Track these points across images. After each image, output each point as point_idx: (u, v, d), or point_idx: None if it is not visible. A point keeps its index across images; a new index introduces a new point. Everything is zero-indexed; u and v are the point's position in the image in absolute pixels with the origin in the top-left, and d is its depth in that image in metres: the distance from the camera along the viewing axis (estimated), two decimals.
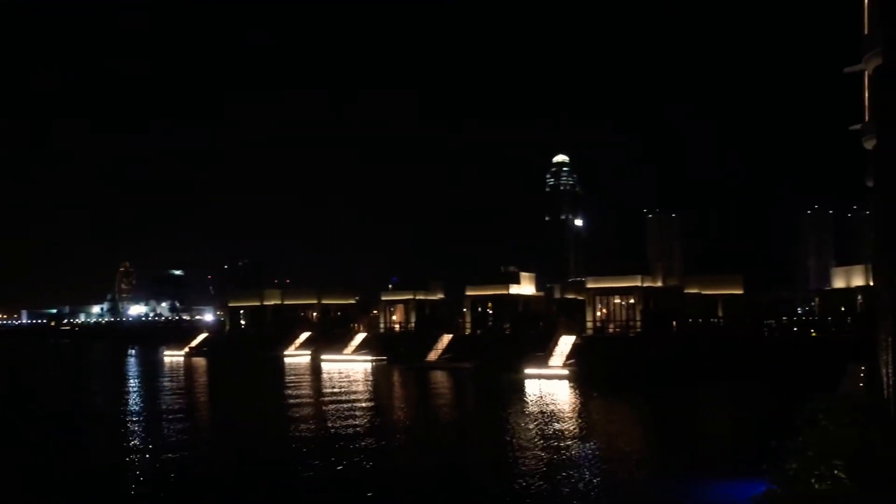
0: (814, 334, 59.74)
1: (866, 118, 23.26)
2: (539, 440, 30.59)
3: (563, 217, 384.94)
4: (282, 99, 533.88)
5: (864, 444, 14.64)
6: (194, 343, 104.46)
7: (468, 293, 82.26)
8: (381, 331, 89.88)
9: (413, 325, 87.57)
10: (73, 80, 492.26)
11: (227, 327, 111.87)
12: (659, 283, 72.12)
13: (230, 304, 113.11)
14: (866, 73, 22.40)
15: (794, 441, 15.64)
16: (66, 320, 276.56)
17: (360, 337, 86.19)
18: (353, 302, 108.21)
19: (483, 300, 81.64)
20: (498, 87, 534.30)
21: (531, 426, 34.32)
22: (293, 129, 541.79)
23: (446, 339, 76.44)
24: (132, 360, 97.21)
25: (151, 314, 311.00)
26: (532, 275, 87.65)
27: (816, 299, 79.33)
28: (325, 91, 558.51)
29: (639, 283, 68.39)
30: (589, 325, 68.86)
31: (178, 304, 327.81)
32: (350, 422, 36.37)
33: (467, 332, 79.57)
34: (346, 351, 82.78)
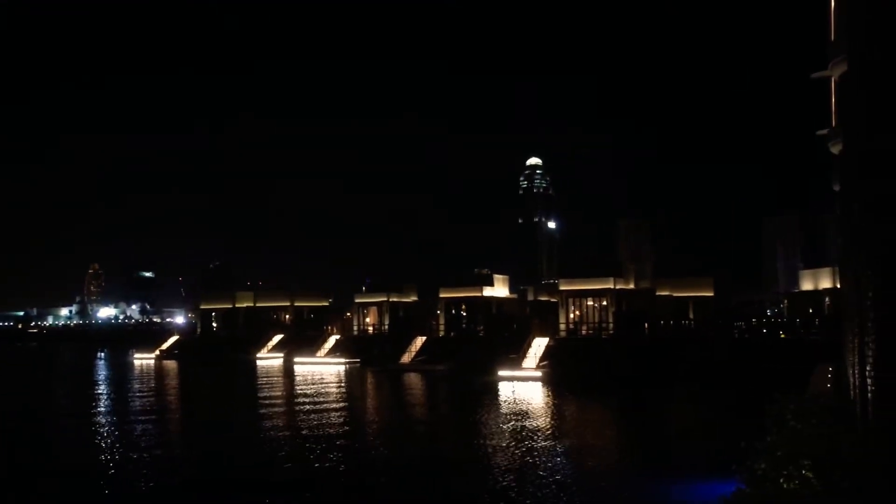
0: (783, 336, 60.54)
1: (833, 123, 23.67)
2: (512, 441, 30.67)
3: (536, 219, 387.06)
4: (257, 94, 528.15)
5: (831, 444, 14.87)
6: (165, 346, 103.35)
7: (442, 295, 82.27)
8: (355, 333, 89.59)
9: (387, 327, 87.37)
10: (50, 79, 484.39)
11: (199, 330, 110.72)
12: (631, 286, 72.65)
13: (202, 307, 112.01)
14: (833, 78, 22.80)
15: (763, 441, 15.84)
16: (33, 323, 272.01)
17: (333, 339, 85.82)
18: (326, 304, 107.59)
19: (457, 302, 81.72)
20: (467, 88, 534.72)
21: (504, 427, 34.40)
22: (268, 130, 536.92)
23: (420, 341, 76.37)
24: (101, 363, 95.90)
25: (121, 317, 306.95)
26: (505, 277, 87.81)
27: (785, 301, 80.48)
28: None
29: (611, 286, 68.82)
30: (562, 327, 69.15)
31: (148, 307, 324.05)
32: (322, 423, 36.20)
33: (441, 334, 79.58)
34: (319, 353, 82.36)
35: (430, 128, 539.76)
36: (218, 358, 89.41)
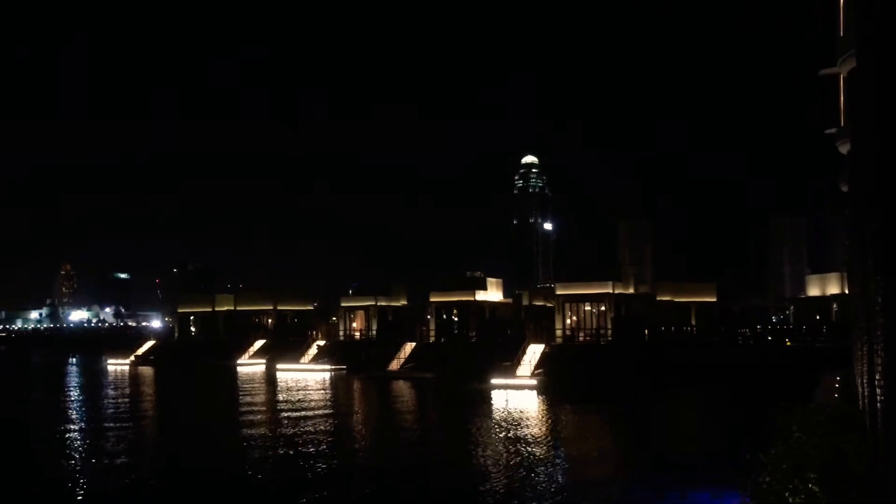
0: (789, 343, 60.82)
1: (841, 122, 23.83)
2: (505, 451, 30.69)
3: (531, 220, 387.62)
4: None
5: (838, 456, 14.94)
6: (140, 351, 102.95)
7: (432, 299, 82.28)
8: (341, 338, 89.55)
9: (374, 332, 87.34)
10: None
11: (176, 335, 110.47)
12: (631, 290, 72.86)
13: (179, 310, 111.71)
14: (841, 75, 22.95)
15: (768, 453, 15.91)
16: (1, 326, 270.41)
17: (318, 345, 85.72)
18: (310, 308, 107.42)
19: (448, 307, 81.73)
20: (466, 85, 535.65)
21: (498, 437, 34.41)
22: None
23: (409, 347, 76.36)
24: (73, 368, 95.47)
25: (94, 320, 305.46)
26: (499, 280, 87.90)
27: (791, 307, 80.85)
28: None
29: (610, 290, 69.03)
30: (558, 332, 69.29)
31: (123, 310, 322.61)
32: (305, 433, 36.14)
33: (431, 340, 79.58)
34: (303, 360, 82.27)
35: (428, 121, 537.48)
36: (196, 364, 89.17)
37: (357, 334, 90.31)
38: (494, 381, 59.08)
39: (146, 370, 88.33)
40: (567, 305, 70.87)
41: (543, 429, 38.02)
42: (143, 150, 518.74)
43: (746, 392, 50.11)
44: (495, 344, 70.24)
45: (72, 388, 65.72)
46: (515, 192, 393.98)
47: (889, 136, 10.72)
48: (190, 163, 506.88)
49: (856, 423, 18.00)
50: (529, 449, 31.67)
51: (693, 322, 74.22)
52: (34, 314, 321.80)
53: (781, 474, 14.73)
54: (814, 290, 74.24)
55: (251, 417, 43.20)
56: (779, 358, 56.91)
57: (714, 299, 76.99)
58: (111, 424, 40.83)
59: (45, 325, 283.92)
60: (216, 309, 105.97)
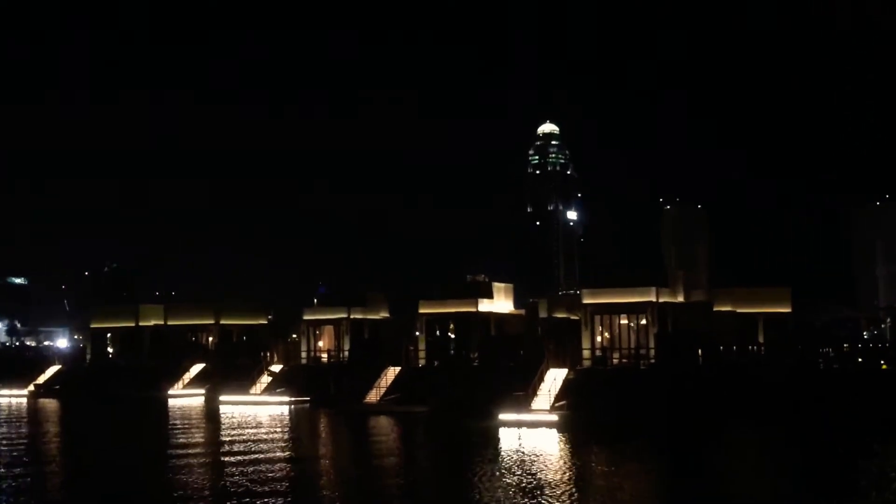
0: (884, 367, 60.75)
1: None
2: None
3: (550, 208, 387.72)
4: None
5: None
6: (42, 379, 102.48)
7: (423, 311, 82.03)
8: (303, 361, 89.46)
9: (346, 353, 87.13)
10: None
11: (89, 357, 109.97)
12: (680, 298, 72.67)
13: (93, 325, 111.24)
14: None
15: None
16: None
17: (273, 370, 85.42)
18: (264, 322, 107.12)
19: (442, 320, 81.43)
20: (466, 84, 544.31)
21: (508, 489, 34.26)
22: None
23: (392, 373, 76.19)
24: None
25: None
26: (509, 286, 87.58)
27: (888, 320, 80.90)
28: None
29: (653, 298, 68.87)
30: (586, 353, 69.08)
31: (18, 325, 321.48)
32: (256, 485, 35.94)
33: (421, 363, 79.37)
34: (253, 390, 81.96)
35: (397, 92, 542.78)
36: (115, 395, 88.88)
37: (324, 356, 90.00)
38: (503, 416, 58.83)
39: (49, 403, 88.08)
40: (597, 318, 70.61)
41: (566, 478, 37.88)
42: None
43: (831, 429, 49.98)
44: (504, 368, 69.99)
45: None
46: (529, 170, 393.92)
47: None
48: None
49: None
50: None
51: (761, 339, 74.15)
52: None
53: None
54: None
55: (185, 464, 42.95)
56: (872, 385, 56.81)
57: (788, 309, 76.81)
58: (1, 472, 40.59)
59: None
60: (141, 324, 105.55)
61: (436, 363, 79.21)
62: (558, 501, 32.45)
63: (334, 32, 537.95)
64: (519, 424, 57.46)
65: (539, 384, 63.46)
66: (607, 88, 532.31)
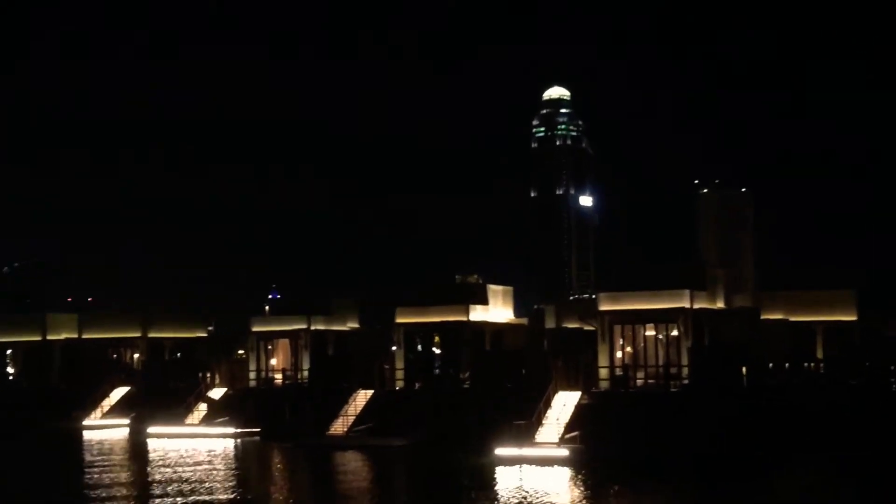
0: None
1: None
2: None
3: (559, 192, 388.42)
4: None
5: None
6: None
7: (400, 320, 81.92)
8: (252, 384, 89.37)
9: (306, 374, 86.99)
10: None
11: None
12: (719, 304, 72.68)
13: None
14: None
15: None
16: None
17: (215, 395, 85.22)
18: (203, 335, 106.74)
19: (426, 331, 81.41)
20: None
21: None
22: None
23: (363, 397, 76.10)
24: None
25: None
26: (508, 289, 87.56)
27: None
28: None
29: (686, 304, 68.86)
30: (603, 372, 69.12)
31: None
32: None
33: (399, 385, 79.34)
34: (190, 419, 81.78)
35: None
36: (18, 425, 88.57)
37: (278, 377, 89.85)
38: (501, 451, 58.83)
39: None
40: (617, 329, 70.61)
41: None
42: None
43: None
44: (502, 391, 70.04)
45: None
46: (534, 146, 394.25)
47: None
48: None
49: None
50: None
51: (820, 354, 74.27)
52: None
53: None
54: None
55: None
56: None
57: (853, 318, 76.90)
58: None
59: None
60: (49, 338, 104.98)
61: (417, 385, 79.15)
62: None
63: None
64: (520, 461, 57.46)
65: (545, 411, 63.40)
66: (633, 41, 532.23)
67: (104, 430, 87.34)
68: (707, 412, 61.36)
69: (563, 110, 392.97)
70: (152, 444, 74.28)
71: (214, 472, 57.29)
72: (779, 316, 75.29)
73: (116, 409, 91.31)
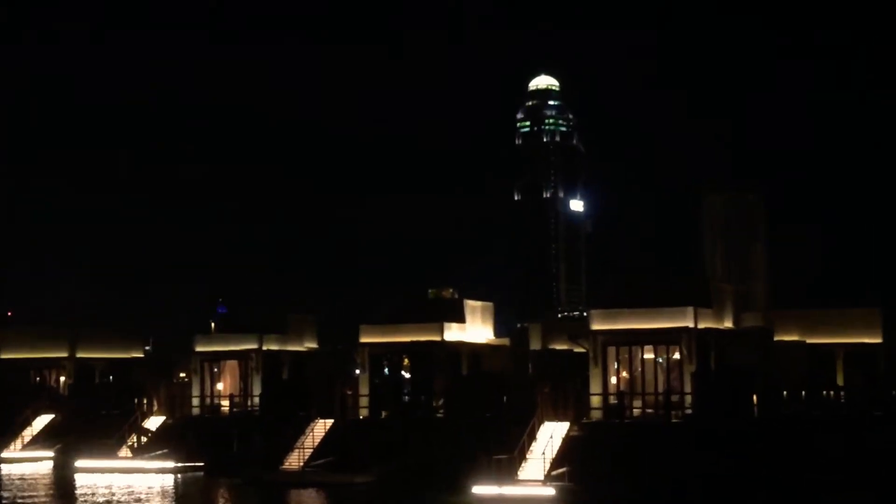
0: None
1: None
2: None
3: (547, 195, 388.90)
4: None
5: None
6: None
7: (365, 339, 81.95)
8: (195, 411, 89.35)
9: (258, 400, 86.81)
10: None
11: None
12: (728, 323, 72.95)
13: None
14: None
15: None
16: None
17: (152, 424, 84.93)
18: (139, 356, 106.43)
19: (394, 353, 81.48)
20: None
21: None
22: None
23: (322, 427, 75.97)
24: None
25: None
26: (487, 305, 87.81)
27: None
28: None
29: (690, 323, 69.08)
30: (595, 400, 69.23)
31: None
32: None
33: (362, 414, 79.28)
34: (124, 451, 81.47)
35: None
36: None
37: (225, 403, 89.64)
38: (479, 489, 58.86)
39: None
40: (612, 351, 70.81)
41: None
42: None
43: None
44: (480, 421, 70.03)
45: None
46: (518, 142, 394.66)
47: None
48: None
49: None
50: None
51: (840, 380, 74.55)
52: None
53: None
54: None
55: None
56: None
57: (878, 340, 77.35)
58: None
59: None
60: None
61: (384, 414, 79.13)
62: None
63: None
64: (501, 501, 57.44)
65: (529, 444, 63.40)
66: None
67: (25, 463, 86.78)
68: (713, 446, 61.47)
69: (551, 102, 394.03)
70: (80, 480, 73.95)
71: None
72: (794, 337, 75.68)
73: (39, 440, 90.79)
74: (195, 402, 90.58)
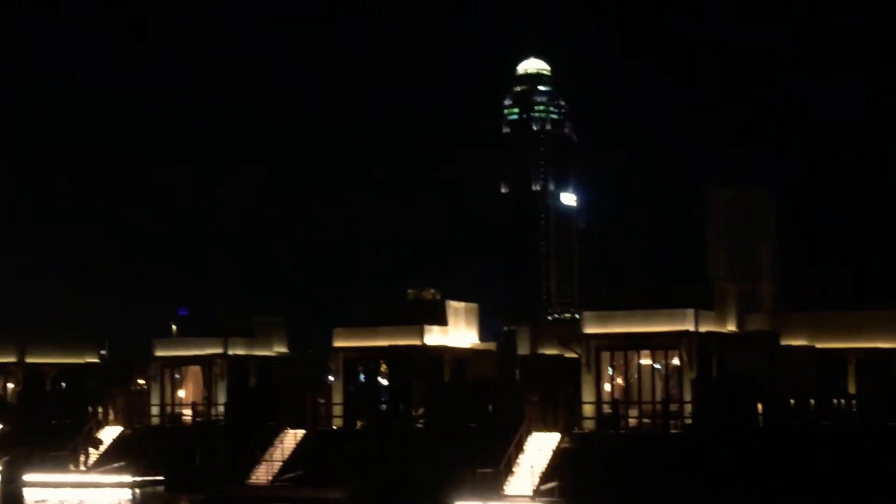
0: None
1: None
2: None
3: (536, 188, 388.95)
4: None
5: None
6: None
7: (339, 344, 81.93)
8: (155, 421, 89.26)
9: (222, 408, 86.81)
10: None
11: None
12: (731, 327, 73.05)
13: None
14: None
15: None
16: None
17: (108, 435, 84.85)
18: (95, 361, 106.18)
19: (370, 358, 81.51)
20: None
21: None
22: None
23: (293, 438, 76.05)
24: None
25: None
26: (472, 306, 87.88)
27: None
28: None
29: (691, 326, 69.20)
30: (589, 410, 69.34)
31: None
32: None
33: (336, 424, 79.39)
34: (78, 465, 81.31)
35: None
36: None
37: (187, 413, 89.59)
38: None
39: None
40: (606, 356, 70.87)
41: None
42: None
43: None
44: (464, 432, 70.18)
45: None
46: (506, 130, 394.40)
47: None
48: None
49: None
50: None
51: (852, 388, 74.81)
52: None
53: None
54: None
55: None
56: None
57: (893, 345, 77.58)
58: None
59: None
60: None
61: (359, 424, 79.14)
62: None
63: None
64: None
65: (517, 456, 63.62)
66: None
67: None
68: (714, 458, 61.68)
69: (540, 88, 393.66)
70: (30, 495, 73.92)
71: None
72: (803, 342, 75.86)
73: None
74: (155, 410, 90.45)
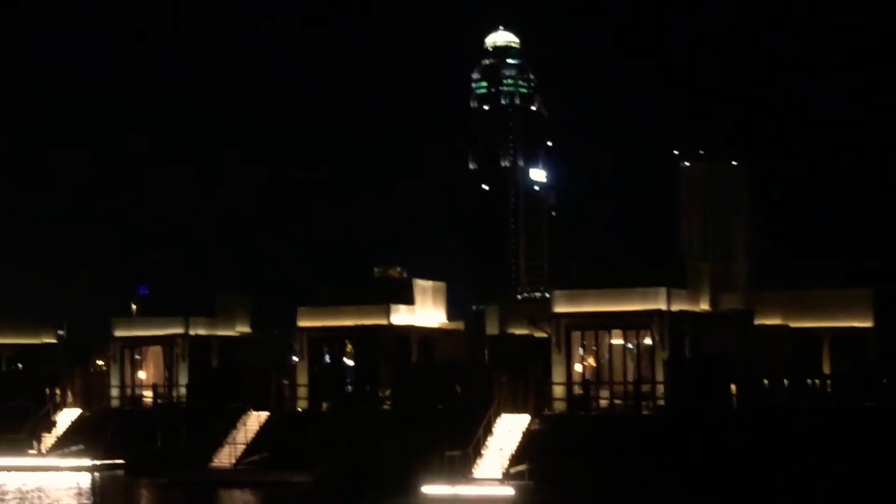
0: None
1: None
2: None
3: (506, 164, 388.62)
4: None
5: None
6: None
7: (303, 324, 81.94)
8: (115, 403, 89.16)
9: (184, 390, 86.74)
10: None
11: None
12: (704, 306, 73.31)
13: None
14: None
15: None
16: None
17: (66, 417, 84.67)
18: (52, 342, 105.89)
19: (335, 338, 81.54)
20: None
21: None
22: None
23: (256, 420, 76.10)
24: None
25: None
26: (440, 285, 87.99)
27: None
28: None
29: (663, 305, 69.42)
30: (559, 391, 69.49)
31: None
32: None
33: (301, 406, 79.55)
34: (36, 448, 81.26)
35: None
36: None
37: (148, 395, 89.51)
38: (429, 489, 59.26)
39: None
40: (576, 336, 71.03)
41: None
42: None
43: None
44: (431, 414, 70.32)
45: None
46: (473, 105, 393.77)
47: None
48: None
49: None
50: None
51: (827, 368, 75.17)
52: None
53: None
54: None
55: None
56: None
57: (868, 324, 77.98)
58: None
59: None
60: None
61: (324, 406, 79.29)
62: None
63: None
64: (454, 501, 57.71)
65: (486, 439, 63.81)
66: None
67: None
68: (687, 440, 61.96)
69: (510, 61, 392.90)
70: None
71: None
72: (777, 321, 76.18)
73: None
74: (114, 392, 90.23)
